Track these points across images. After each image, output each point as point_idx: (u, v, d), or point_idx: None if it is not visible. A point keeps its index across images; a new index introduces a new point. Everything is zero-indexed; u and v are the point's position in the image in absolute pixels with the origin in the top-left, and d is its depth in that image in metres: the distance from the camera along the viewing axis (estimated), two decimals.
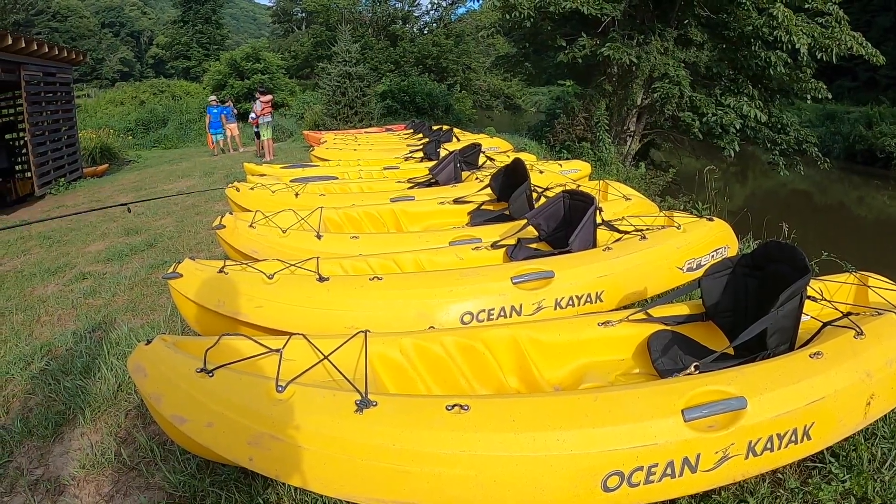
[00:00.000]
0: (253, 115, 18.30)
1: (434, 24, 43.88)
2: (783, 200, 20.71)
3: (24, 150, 14.71)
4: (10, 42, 11.81)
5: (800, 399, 2.61)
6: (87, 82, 64.51)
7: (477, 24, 37.50)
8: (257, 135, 18.33)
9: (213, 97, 21.06)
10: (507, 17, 15.89)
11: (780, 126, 16.30)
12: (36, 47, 13.23)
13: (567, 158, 13.87)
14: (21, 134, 15.00)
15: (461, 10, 44.70)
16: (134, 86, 45.08)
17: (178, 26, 62.56)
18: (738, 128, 15.35)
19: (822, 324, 3.14)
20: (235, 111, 20.93)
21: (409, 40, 41.13)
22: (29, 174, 14.05)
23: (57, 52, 14.67)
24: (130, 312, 5.35)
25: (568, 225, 4.81)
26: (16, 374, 4.28)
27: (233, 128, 20.01)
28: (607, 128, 16.88)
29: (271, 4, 57.88)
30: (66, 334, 4.90)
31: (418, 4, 45.10)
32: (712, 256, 4.91)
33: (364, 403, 2.37)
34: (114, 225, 9.08)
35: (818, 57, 14.28)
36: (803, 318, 3.01)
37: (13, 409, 3.86)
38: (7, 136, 15.53)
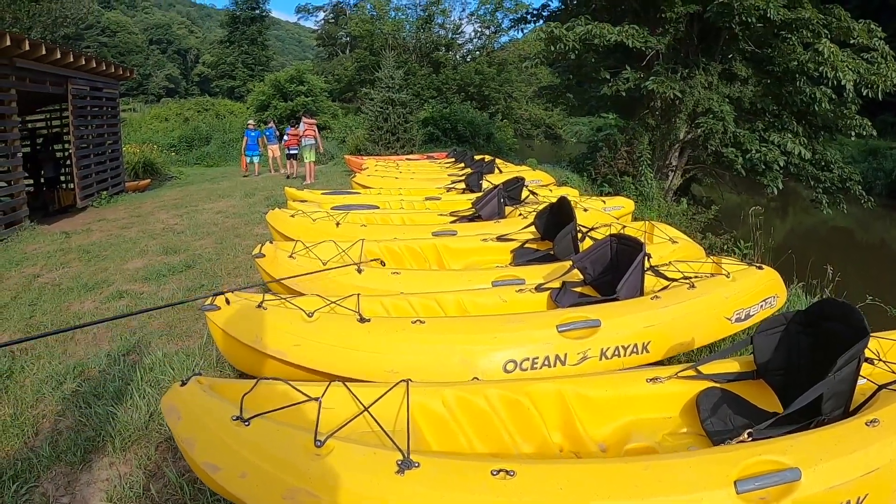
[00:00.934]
0: (285, 137, 18.51)
1: (477, 52, 44.20)
2: (824, 238, 20.46)
3: (68, 162, 14.98)
4: (58, 56, 12.03)
5: (855, 470, 2.49)
6: (134, 97, 66.21)
7: (520, 53, 37.49)
8: (290, 156, 18.51)
9: (252, 121, 21.40)
10: (552, 48, 15.84)
11: (823, 163, 16.11)
12: (84, 62, 13.49)
13: (608, 192, 13.79)
14: (66, 146, 15.30)
15: (504, 39, 44.87)
16: (179, 103, 46.25)
17: (224, 46, 64.17)
18: (781, 165, 15.14)
19: (877, 386, 3.00)
20: (277, 132, 21.17)
21: (452, 67, 41.33)
22: (72, 185, 14.25)
23: (104, 68, 14.97)
24: (166, 336, 5.31)
25: (615, 269, 4.69)
26: (47, 392, 4.26)
27: (274, 149, 20.25)
28: (650, 162, 16.73)
29: (316, 28, 58.90)
30: (99, 355, 4.87)
31: (462, 32, 45.30)
32: (761, 307, 4.78)
33: (406, 464, 2.28)
34: (153, 242, 9.15)
35: (864, 93, 14.12)
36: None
37: (42, 431, 3.81)
38: (54, 148, 15.85)
